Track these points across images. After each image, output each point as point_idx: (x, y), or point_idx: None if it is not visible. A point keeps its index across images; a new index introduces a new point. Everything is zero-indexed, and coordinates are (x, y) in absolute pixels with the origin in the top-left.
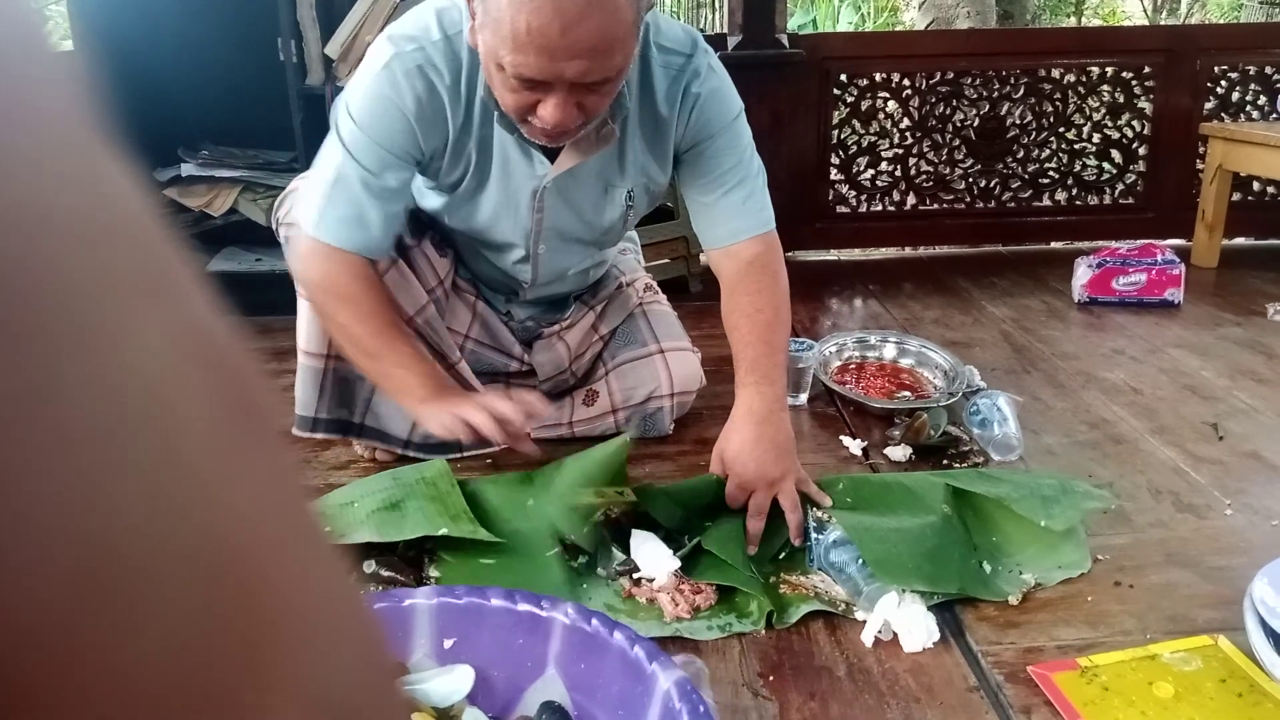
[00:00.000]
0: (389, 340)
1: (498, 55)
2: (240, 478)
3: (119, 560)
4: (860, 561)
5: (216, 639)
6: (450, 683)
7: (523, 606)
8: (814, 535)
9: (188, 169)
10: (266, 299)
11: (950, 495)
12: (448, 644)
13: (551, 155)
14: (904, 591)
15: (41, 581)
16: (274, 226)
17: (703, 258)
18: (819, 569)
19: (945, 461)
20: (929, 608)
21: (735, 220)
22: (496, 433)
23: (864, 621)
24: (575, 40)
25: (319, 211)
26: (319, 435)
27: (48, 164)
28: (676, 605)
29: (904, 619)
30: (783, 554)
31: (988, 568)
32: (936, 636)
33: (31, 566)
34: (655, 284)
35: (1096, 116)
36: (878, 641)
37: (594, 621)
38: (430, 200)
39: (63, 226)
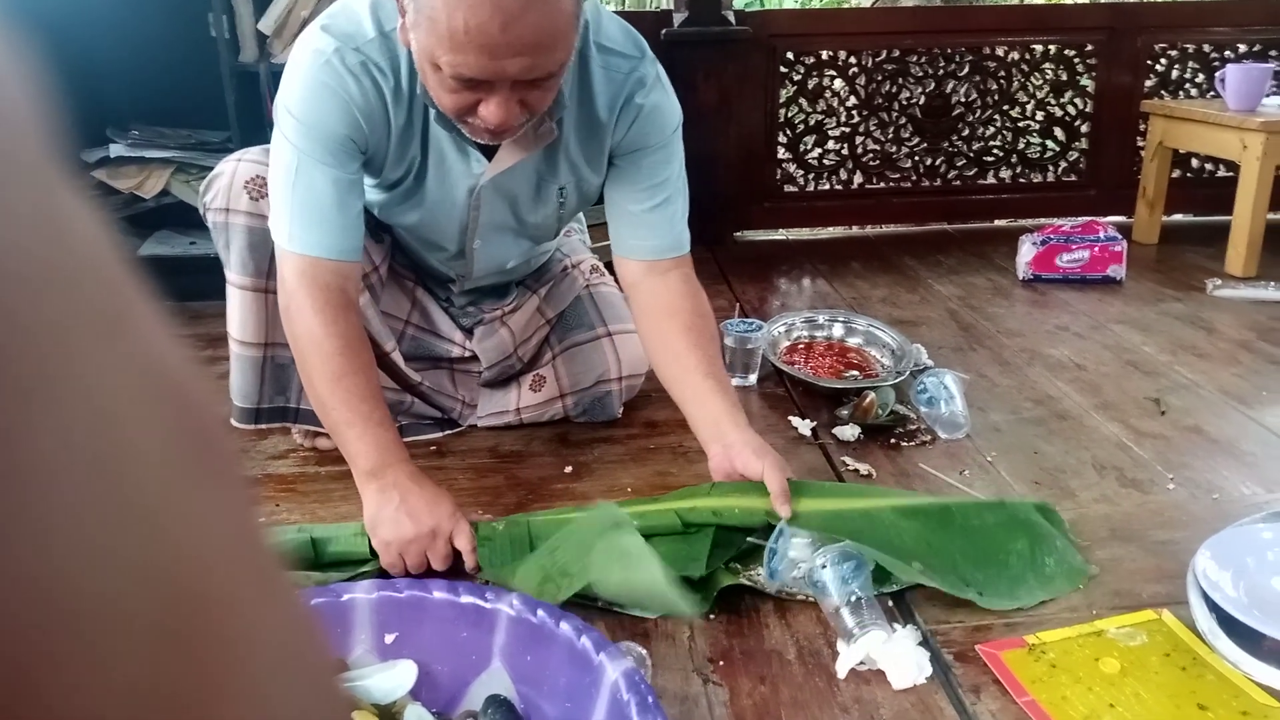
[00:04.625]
0: (345, 394)
1: (433, 55)
2: (197, 515)
3: (74, 607)
4: (852, 598)
5: (171, 684)
6: (392, 679)
7: (466, 598)
8: (780, 542)
9: (117, 150)
10: (200, 284)
11: (926, 540)
12: (389, 639)
13: (488, 153)
14: (894, 627)
15: None
16: (201, 212)
17: None
18: (789, 584)
19: (894, 440)
20: (888, 594)
21: (664, 236)
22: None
23: (836, 630)
24: (517, 37)
25: (287, 224)
26: (261, 426)
27: (7, 207)
28: None
29: (891, 654)
30: (740, 549)
31: (980, 595)
32: (928, 672)
33: None
34: (602, 266)
35: (1040, 94)
36: (826, 626)
37: (540, 612)
38: (368, 194)
39: (24, 272)
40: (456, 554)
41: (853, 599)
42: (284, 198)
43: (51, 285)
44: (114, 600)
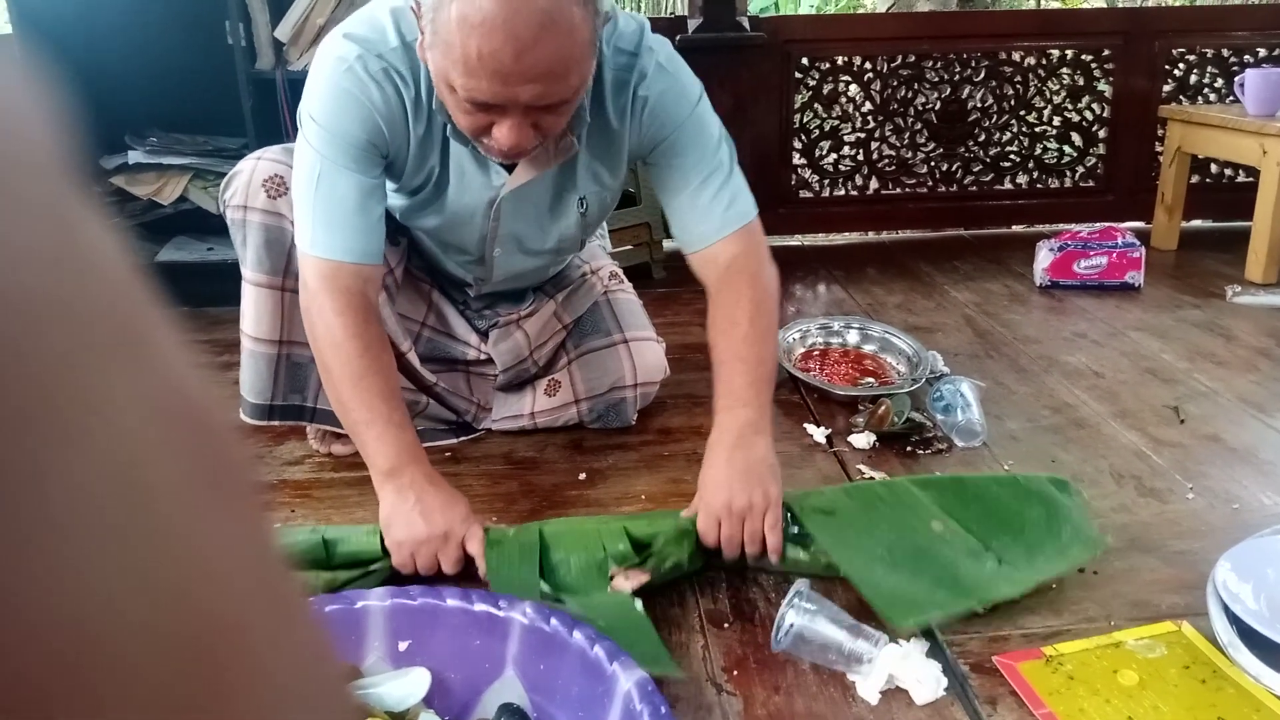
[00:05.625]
0: (365, 395)
1: (448, 77)
2: (215, 540)
3: (98, 638)
4: (848, 627)
5: (191, 701)
6: (405, 686)
7: (479, 606)
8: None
9: (135, 156)
10: (217, 289)
11: (942, 506)
12: (403, 646)
13: (509, 165)
14: (899, 643)
15: (21, 664)
16: (220, 209)
17: (666, 244)
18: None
19: (909, 448)
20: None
21: (705, 222)
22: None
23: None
24: (529, 65)
25: (310, 228)
26: (274, 423)
27: (24, 240)
28: (629, 579)
29: (910, 670)
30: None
31: (999, 564)
32: (945, 684)
33: (12, 650)
34: (621, 272)
35: (1056, 99)
36: None
37: (553, 621)
38: (390, 199)
39: (42, 307)
40: (469, 559)
41: (850, 627)
42: (307, 202)
43: (68, 319)
44: (141, 624)
